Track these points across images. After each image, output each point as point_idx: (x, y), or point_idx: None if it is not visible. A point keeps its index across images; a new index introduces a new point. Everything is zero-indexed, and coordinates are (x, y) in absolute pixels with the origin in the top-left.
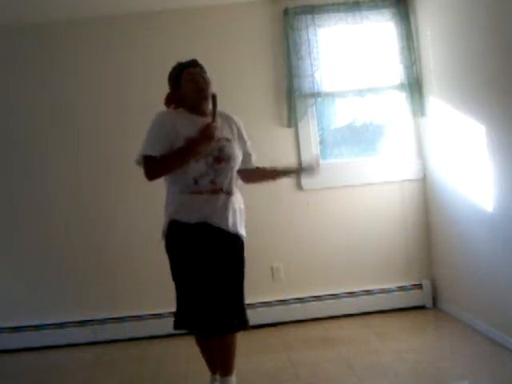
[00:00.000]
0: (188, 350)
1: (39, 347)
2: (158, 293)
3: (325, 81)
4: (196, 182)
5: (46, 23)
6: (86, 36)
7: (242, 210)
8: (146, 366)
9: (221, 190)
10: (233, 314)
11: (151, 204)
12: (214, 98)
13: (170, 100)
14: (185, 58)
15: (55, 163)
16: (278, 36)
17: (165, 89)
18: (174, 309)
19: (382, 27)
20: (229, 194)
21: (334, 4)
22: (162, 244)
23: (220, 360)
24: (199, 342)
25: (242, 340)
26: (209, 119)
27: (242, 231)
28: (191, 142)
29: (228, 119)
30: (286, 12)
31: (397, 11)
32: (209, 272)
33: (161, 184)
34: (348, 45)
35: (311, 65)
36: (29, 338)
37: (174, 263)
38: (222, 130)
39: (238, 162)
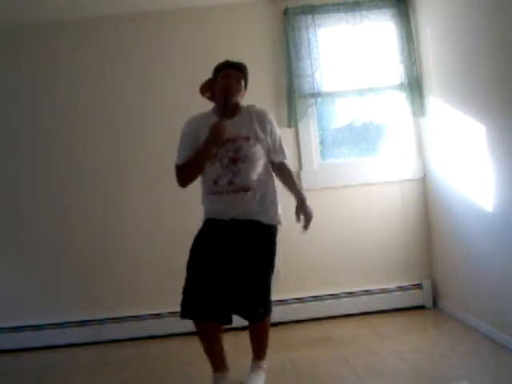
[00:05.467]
0: (188, 350)
1: (39, 347)
2: (158, 293)
3: (325, 81)
4: (216, 183)
5: (46, 23)
6: (86, 36)
7: (269, 195)
8: (146, 366)
9: (242, 189)
10: (257, 302)
11: (152, 204)
12: (225, 97)
13: (206, 87)
14: (184, 58)
15: (56, 163)
16: (277, 36)
17: (165, 89)
18: (173, 309)
19: (381, 27)
20: (250, 190)
21: (333, 4)
22: (162, 244)
23: (253, 347)
24: (204, 337)
25: (242, 340)
26: (234, 121)
27: (267, 218)
28: (202, 144)
29: (258, 115)
30: (286, 12)
31: (397, 11)
32: (230, 262)
33: (162, 185)
34: (348, 45)
35: (311, 65)
36: (29, 337)
37: (195, 253)
38: (239, 129)
39: (258, 160)
